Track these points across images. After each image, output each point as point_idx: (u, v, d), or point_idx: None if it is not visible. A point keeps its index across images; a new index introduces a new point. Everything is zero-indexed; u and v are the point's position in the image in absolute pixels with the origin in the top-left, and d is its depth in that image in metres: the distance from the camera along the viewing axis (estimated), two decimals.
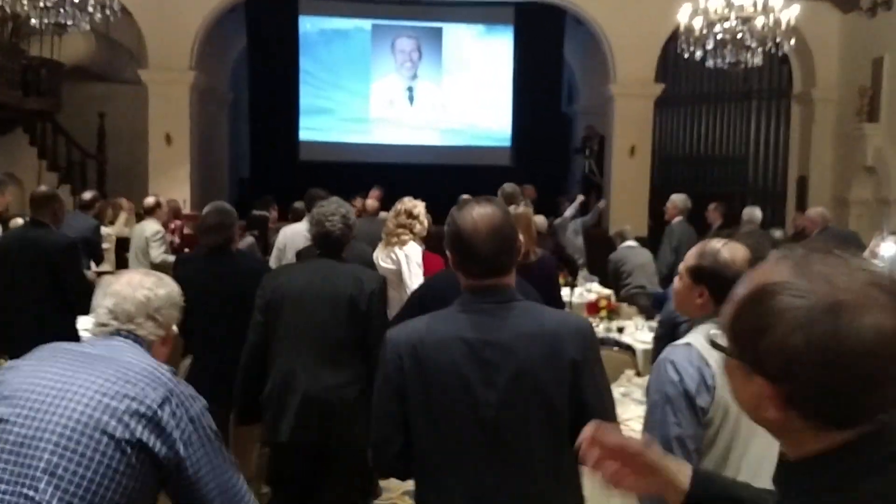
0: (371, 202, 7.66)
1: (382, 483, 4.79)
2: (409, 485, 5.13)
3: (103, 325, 2.12)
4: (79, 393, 1.87)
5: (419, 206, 5.22)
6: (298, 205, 6.98)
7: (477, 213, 2.07)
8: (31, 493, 1.77)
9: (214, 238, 4.37)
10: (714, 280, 2.40)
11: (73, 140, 13.21)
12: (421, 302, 4.11)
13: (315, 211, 3.71)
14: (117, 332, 2.10)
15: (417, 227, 5.16)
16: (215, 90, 14.71)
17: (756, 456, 2.10)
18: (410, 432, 2.08)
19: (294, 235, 6.02)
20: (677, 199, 8.62)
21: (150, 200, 7.70)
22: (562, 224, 9.99)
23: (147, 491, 1.89)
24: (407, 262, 5.04)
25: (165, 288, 2.21)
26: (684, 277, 2.51)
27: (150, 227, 7.45)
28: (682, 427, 2.16)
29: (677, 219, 8.51)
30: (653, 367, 2.37)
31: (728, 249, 2.44)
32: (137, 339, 2.10)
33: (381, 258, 5.18)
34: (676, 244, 8.06)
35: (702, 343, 2.25)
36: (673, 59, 12.86)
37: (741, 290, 1.06)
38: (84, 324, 4.62)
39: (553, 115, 15.33)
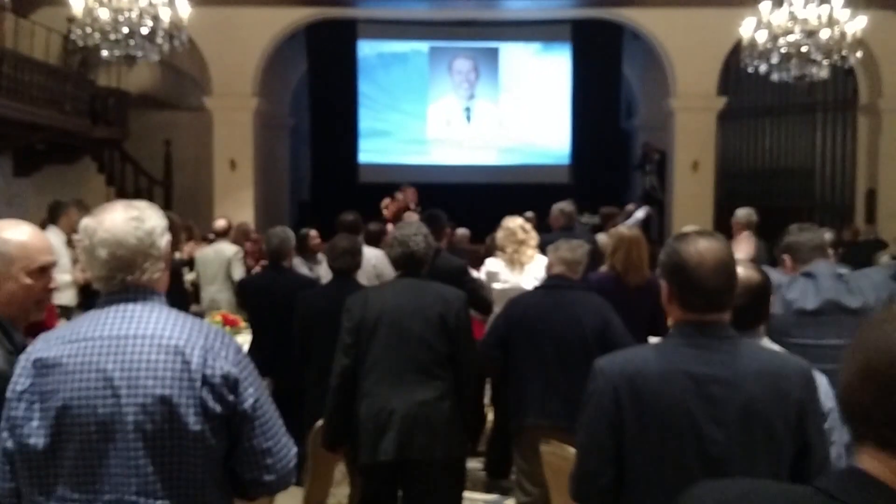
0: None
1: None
2: None
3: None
4: None
5: (526, 222, 5.68)
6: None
7: (703, 245, 2.04)
8: None
9: (348, 260, 4.55)
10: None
11: (140, 167, 13.67)
12: (509, 321, 4.21)
13: (396, 233, 3.85)
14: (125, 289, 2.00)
15: (533, 241, 5.58)
16: (277, 115, 15.11)
17: None
18: (623, 466, 2.04)
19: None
20: (741, 215, 8.47)
21: (222, 223, 7.88)
22: None
23: None
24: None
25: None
26: None
27: (229, 248, 7.60)
28: None
29: (744, 234, 8.40)
30: None
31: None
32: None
33: (508, 275, 5.46)
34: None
35: None
36: (735, 72, 12.81)
37: None
38: None
39: (612, 131, 15.32)
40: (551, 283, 4.32)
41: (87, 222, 1.98)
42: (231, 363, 1.92)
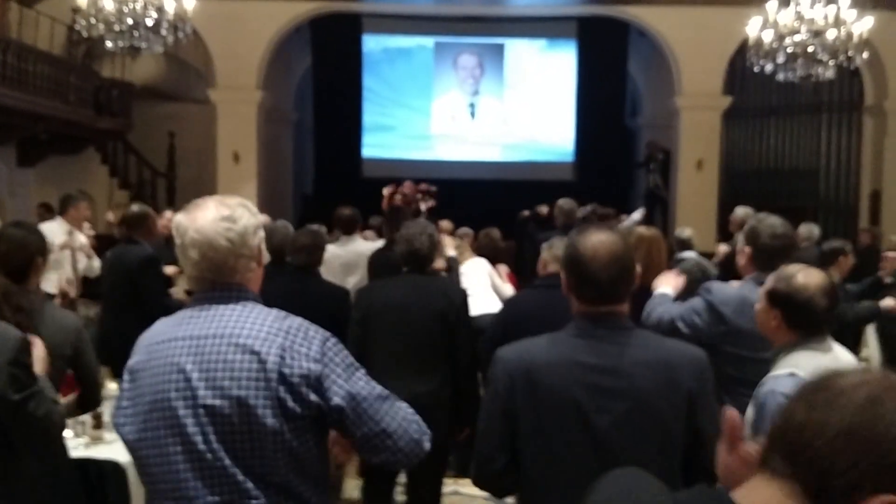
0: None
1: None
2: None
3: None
4: None
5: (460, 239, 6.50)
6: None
7: (597, 239, 2.12)
8: None
9: (304, 258, 4.58)
10: (787, 304, 2.51)
11: (143, 159, 13.71)
12: (505, 322, 4.24)
13: (403, 231, 4.05)
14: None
15: (467, 251, 6.20)
16: (280, 109, 15.13)
17: None
18: (518, 452, 2.11)
19: None
20: (739, 214, 8.45)
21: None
22: None
23: None
24: (494, 272, 6.00)
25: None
26: (762, 300, 2.61)
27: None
28: None
29: (740, 233, 8.38)
30: (759, 401, 2.41)
31: (803, 274, 2.53)
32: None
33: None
34: None
35: (805, 372, 2.34)
36: (741, 71, 12.82)
37: None
38: None
39: (616, 129, 15.32)
40: (546, 282, 4.32)
41: (179, 220, 1.96)
42: (313, 359, 1.86)
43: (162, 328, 1.98)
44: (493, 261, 6.19)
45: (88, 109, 12.36)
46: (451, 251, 5.80)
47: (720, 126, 13.38)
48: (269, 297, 4.43)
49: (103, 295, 5.82)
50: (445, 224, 7.96)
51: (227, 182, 12.88)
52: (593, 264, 2.08)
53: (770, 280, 2.61)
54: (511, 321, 4.23)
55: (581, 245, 2.12)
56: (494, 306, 5.70)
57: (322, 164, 15.51)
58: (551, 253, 4.33)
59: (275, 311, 1.97)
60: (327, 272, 5.87)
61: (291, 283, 4.57)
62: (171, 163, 13.66)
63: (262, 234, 2.03)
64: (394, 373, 3.69)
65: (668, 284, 3.75)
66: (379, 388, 1.95)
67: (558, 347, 2.11)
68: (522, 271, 7.23)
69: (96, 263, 6.85)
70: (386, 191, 10.77)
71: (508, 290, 6.07)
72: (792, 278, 2.52)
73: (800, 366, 2.36)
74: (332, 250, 6.18)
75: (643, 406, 2.02)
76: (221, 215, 1.94)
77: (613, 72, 15.08)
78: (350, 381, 1.90)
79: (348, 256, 6.19)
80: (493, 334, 4.40)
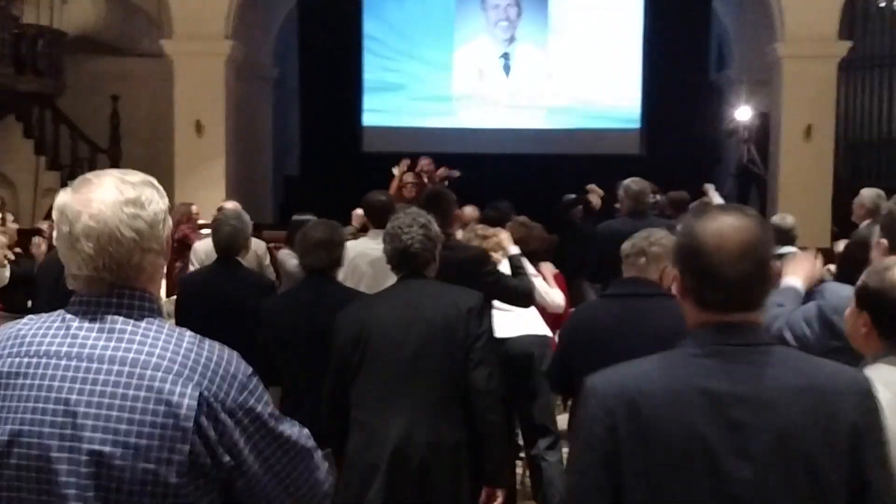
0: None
1: None
2: None
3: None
4: None
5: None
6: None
7: (725, 223, 2.02)
8: None
9: (323, 257, 4.52)
10: (876, 304, 2.51)
11: (79, 130, 13.71)
12: (569, 340, 4.18)
13: (389, 224, 3.97)
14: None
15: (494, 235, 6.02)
16: (257, 64, 15.20)
17: None
18: None
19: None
20: (867, 197, 8.35)
21: (234, 206, 7.82)
22: None
23: None
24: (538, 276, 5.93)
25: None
26: (852, 300, 2.59)
27: (255, 240, 7.45)
28: None
29: (866, 222, 8.28)
30: None
31: None
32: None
33: None
34: None
35: (884, 389, 2.29)
36: (862, 8, 12.64)
37: None
38: None
39: (698, 86, 15.27)
40: (622, 290, 4.22)
41: (66, 202, 1.90)
42: (232, 409, 1.89)
43: (31, 334, 1.93)
44: (531, 258, 6.03)
45: (6, 66, 12.39)
46: (513, 248, 5.62)
47: (836, 81, 13.20)
48: (278, 312, 4.60)
49: (35, 307, 5.80)
50: (469, 211, 7.75)
51: (188, 160, 12.87)
52: (719, 257, 1.98)
53: (863, 275, 2.59)
54: (579, 339, 4.13)
55: (701, 231, 2.02)
56: (536, 325, 5.62)
57: (310, 136, 15.60)
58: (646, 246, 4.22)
59: (188, 334, 1.94)
60: (352, 274, 5.79)
61: (302, 291, 4.63)
62: (115, 136, 13.68)
63: (170, 221, 2.02)
64: (386, 414, 3.67)
65: (797, 273, 3.67)
66: (300, 443, 2.02)
67: (674, 371, 2.03)
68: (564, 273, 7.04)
69: (6, 273, 6.83)
70: (397, 171, 10.68)
71: (558, 296, 5.96)
72: (886, 271, 2.49)
73: (879, 382, 2.24)
74: (360, 246, 5.99)
75: (794, 447, 1.94)
76: (126, 198, 1.90)
77: (693, 12, 15.06)
78: (267, 440, 1.95)
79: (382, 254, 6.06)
80: (556, 360, 4.36)
